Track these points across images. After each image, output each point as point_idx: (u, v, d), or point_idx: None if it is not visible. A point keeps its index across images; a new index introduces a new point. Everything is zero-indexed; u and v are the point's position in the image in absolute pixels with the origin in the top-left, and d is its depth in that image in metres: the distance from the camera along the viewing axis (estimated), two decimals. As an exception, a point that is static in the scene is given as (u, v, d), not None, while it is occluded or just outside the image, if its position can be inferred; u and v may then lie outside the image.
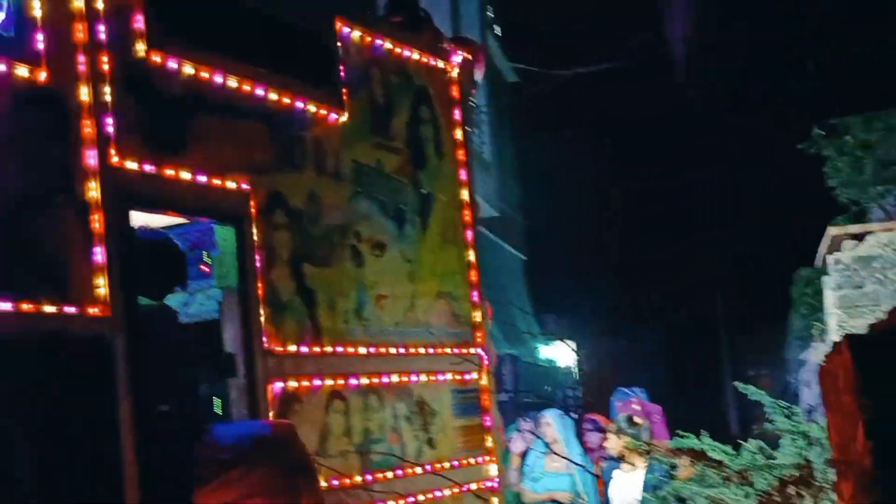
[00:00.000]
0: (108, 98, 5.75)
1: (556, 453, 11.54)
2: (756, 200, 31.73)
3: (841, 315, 14.35)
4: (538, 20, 33.15)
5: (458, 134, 8.31)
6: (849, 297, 14.38)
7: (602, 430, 12.26)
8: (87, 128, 5.62)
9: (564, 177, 32.84)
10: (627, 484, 10.92)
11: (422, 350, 7.66)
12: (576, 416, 17.13)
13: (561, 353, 30.61)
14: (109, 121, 5.74)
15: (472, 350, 8.17)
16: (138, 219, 6.48)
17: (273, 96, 6.72)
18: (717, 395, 32.59)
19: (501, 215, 29.77)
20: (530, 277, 33.32)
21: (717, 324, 35.95)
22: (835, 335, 12.96)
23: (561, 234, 33.96)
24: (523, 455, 12.52)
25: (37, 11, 5.44)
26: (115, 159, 5.74)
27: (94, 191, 5.61)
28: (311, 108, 6.99)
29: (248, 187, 6.48)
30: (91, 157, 5.62)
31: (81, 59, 5.65)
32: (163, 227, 6.92)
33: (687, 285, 34.75)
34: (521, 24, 32.80)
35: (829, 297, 14.26)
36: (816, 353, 17.94)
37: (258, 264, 6.48)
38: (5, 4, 5.32)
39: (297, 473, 6.05)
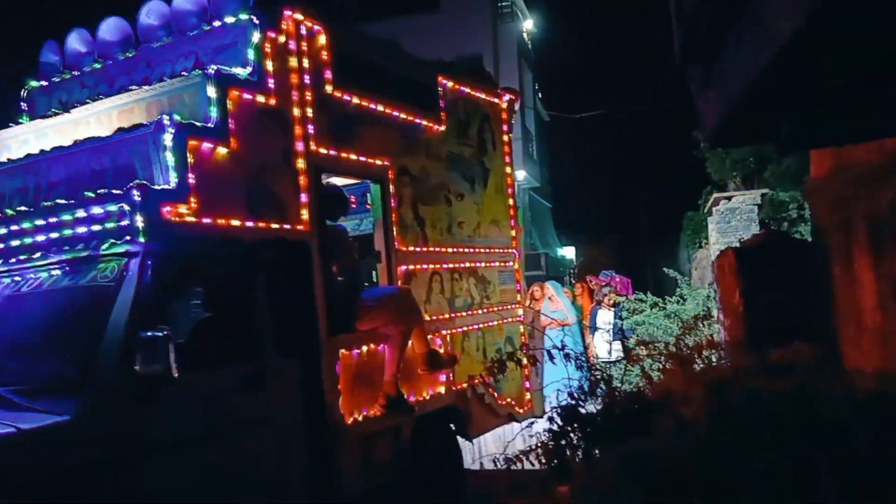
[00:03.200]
0: (309, 114, 5.26)
1: (550, 300, 11.13)
2: (673, 177, 30.52)
3: (717, 236, 14.69)
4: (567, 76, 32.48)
5: (505, 138, 7.79)
6: (721, 229, 14.77)
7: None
8: (298, 129, 5.17)
9: (571, 166, 32.75)
10: (604, 314, 11.12)
11: (482, 250, 7.17)
12: (572, 283, 17.30)
13: (568, 252, 30.57)
14: (311, 127, 5.26)
15: (510, 249, 7.68)
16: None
17: (403, 115, 6.17)
18: (643, 277, 31.75)
19: (541, 185, 29.33)
20: (554, 215, 32.81)
21: (645, 239, 35.32)
22: (714, 247, 13.61)
23: (568, 195, 33.71)
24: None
25: (269, 67, 4.96)
26: (312, 147, 5.26)
27: (301, 164, 5.15)
28: (424, 122, 6.44)
29: (388, 163, 5.99)
30: (300, 146, 5.17)
31: (295, 93, 5.17)
32: (344, 185, 6.52)
33: (628, 219, 34.38)
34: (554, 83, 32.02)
35: (711, 228, 14.78)
36: (700, 255, 19.04)
37: (393, 204, 6.02)
38: (252, 61, 4.88)
39: (412, 313, 5.75)
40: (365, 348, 5.49)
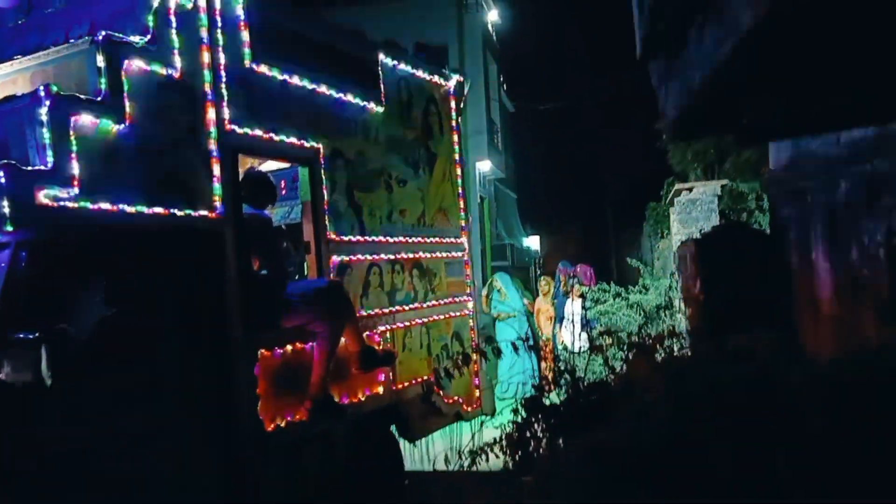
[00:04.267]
0: (223, 89, 4.61)
1: (499, 292, 11.41)
2: (636, 167, 29.98)
3: (678, 227, 13.33)
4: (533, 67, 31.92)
5: (454, 122, 7.16)
6: (682, 219, 13.39)
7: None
8: (209, 106, 4.53)
9: (536, 157, 32.26)
10: (571, 305, 10.88)
11: (428, 240, 6.55)
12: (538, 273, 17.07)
13: (533, 243, 30.08)
14: (225, 103, 4.62)
15: (460, 240, 7.05)
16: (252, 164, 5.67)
17: (336, 94, 5.56)
18: (608, 267, 31.32)
19: (505, 176, 28.79)
20: (519, 206, 32.28)
21: (608, 229, 34.97)
22: (676, 237, 12.48)
23: (533, 185, 33.29)
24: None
25: (173, 35, 4.34)
26: (227, 126, 4.63)
27: (213, 144, 4.51)
28: (361, 102, 5.83)
29: (318, 146, 5.35)
30: (211, 124, 4.54)
31: (205, 66, 4.55)
32: (272, 170, 5.91)
33: (591, 209, 34.05)
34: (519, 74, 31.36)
35: (673, 218, 13.41)
36: (662, 245, 17.78)
37: (324, 190, 5.38)
38: (151, 29, 4.24)
39: (343, 308, 5.13)
40: (290, 347, 4.89)
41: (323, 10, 21.64)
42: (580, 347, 9.82)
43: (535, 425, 3.19)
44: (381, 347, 5.67)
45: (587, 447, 2.45)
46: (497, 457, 3.22)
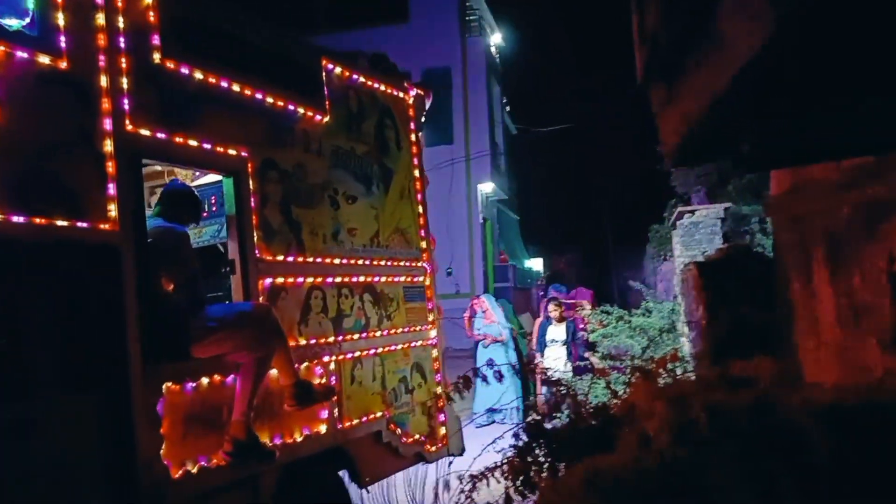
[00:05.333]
0: (125, 85, 3.92)
1: (484, 314, 10.89)
2: (638, 190, 29.23)
3: (681, 249, 13.43)
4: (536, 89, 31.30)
5: (413, 137, 6.42)
6: (685, 242, 13.51)
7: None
8: (105, 103, 3.82)
9: (538, 178, 31.62)
10: (555, 331, 10.23)
11: (382, 262, 5.80)
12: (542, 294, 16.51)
13: (536, 264, 29.33)
14: (126, 101, 3.91)
15: (420, 263, 6.29)
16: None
17: (270, 99, 4.87)
18: (609, 289, 30.48)
19: (508, 198, 28.15)
20: (522, 228, 31.54)
21: (610, 251, 34.21)
22: (679, 259, 12.77)
23: (536, 207, 32.62)
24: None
25: (59, 21, 3.65)
26: (129, 127, 3.92)
27: (108, 147, 3.80)
28: (300, 109, 5.16)
29: (246, 154, 4.65)
30: (108, 124, 3.82)
31: (102, 58, 3.84)
32: (205, 184, 5.23)
33: (592, 231, 33.34)
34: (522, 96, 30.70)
35: (676, 241, 13.44)
36: (664, 267, 18.06)
37: (253, 204, 4.66)
38: (31, 11, 3.56)
39: (271, 335, 4.40)
40: (205, 380, 4.17)
41: (323, 34, 21.27)
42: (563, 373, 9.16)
43: (537, 450, 3.06)
44: (321, 381, 4.95)
45: (588, 473, 2.39)
46: (498, 482, 3.06)
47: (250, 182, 4.63)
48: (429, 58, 24.29)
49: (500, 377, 4.52)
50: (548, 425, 3.23)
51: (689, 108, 2.32)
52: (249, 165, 4.64)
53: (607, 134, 31.60)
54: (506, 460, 3.09)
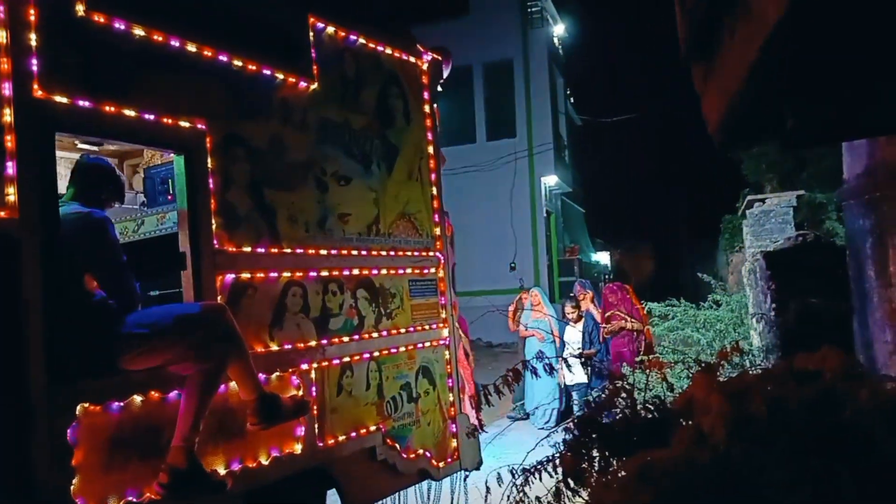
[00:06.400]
0: (33, 43, 3.13)
1: (536, 309, 9.72)
2: (710, 179, 27.70)
3: (751, 240, 13.26)
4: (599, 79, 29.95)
5: (427, 109, 5.45)
6: (755, 231, 13.27)
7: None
8: (4, 63, 3.03)
9: (605, 170, 30.36)
10: (572, 333, 9.38)
11: (383, 253, 4.90)
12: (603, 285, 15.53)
13: (602, 257, 28.03)
14: (34, 61, 3.12)
15: (432, 253, 5.34)
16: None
17: (235, 62, 4.03)
18: (679, 280, 29.03)
19: (573, 190, 26.97)
20: (588, 220, 30.24)
21: (681, 243, 32.60)
22: (749, 250, 12.36)
23: (602, 199, 31.37)
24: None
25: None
26: (38, 92, 3.12)
27: (7, 116, 3.01)
28: (279, 75, 4.30)
29: (203, 127, 3.80)
30: (7, 88, 3.02)
31: (1, 8, 3.05)
32: (154, 165, 4.45)
33: (665, 224, 31.74)
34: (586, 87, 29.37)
35: (746, 231, 13.28)
36: (736, 259, 17.05)
37: (212, 186, 3.82)
38: None
39: (224, 342, 3.55)
40: (138, 398, 3.36)
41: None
42: (577, 380, 8.49)
43: (590, 445, 2.93)
44: (296, 393, 4.10)
45: (640, 467, 2.30)
46: (550, 476, 2.95)
47: (208, 160, 3.80)
48: (490, 51, 23.60)
49: (550, 370, 3.78)
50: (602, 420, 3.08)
51: (728, 83, 2.18)
52: (208, 140, 3.81)
53: (677, 122, 30.03)
54: (558, 454, 2.98)
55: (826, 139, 3.56)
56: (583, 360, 7.30)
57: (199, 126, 3.78)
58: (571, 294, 9.87)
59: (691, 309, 9.11)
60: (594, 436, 2.91)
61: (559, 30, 26.16)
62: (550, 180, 23.95)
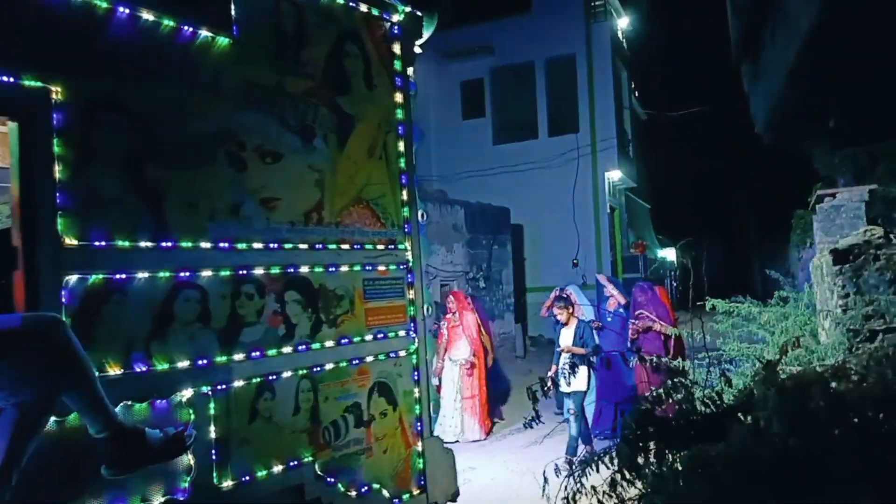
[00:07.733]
0: None
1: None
2: (781, 173, 25.54)
3: (821, 236, 12.63)
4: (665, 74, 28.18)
5: (401, 71, 4.36)
6: (825, 227, 12.68)
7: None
8: None
9: (671, 165, 28.55)
10: (566, 334, 8.02)
11: (331, 246, 3.83)
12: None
13: (669, 254, 26.27)
14: None
15: (394, 247, 4.19)
16: None
17: (105, 4, 3.03)
18: (750, 278, 27.07)
19: (638, 186, 25.38)
20: (653, 216, 28.49)
21: (751, 239, 30.46)
22: (819, 247, 11.94)
23: (669, 195, 29.59)
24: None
25: None
26: None
27: None
28: (180, 25, 3.30)
29: (46, 86, 2.81)
30: None
31: None
32: None
33: (733, 220, 29.73)
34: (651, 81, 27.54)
35: (816, 226, 12.72)
36: (806, 255, 16.82)
37: (60, 164, 2.83)
38: None
39: (56, 366, 2.50)
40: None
41: (445, 28, 19.57)
42: (573, 388, 7.50)
43: (647, 437, 2.80)
44: (179, 427, 3.07)
45: (696, 459, 2.32)
46: (608, 468, 2.82)
47: (52, 129, 2.82)
48: (553, 46, 22.45)
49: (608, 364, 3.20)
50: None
51: (771, 83, 2.18)
52: (51, 104, 2.82)
53: (746, 115, 27.95)
54: (615, 446, 2.88)
55: (869, 138, 3.14)
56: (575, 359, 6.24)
57: (44, 85, 2.80)
58: (563, 296, 8.61)
59: (755, 307, 8.52)
60: (651, 429, 2.83)
61: (623, 23, 24.57)
62: (614, 175, 22.47)
